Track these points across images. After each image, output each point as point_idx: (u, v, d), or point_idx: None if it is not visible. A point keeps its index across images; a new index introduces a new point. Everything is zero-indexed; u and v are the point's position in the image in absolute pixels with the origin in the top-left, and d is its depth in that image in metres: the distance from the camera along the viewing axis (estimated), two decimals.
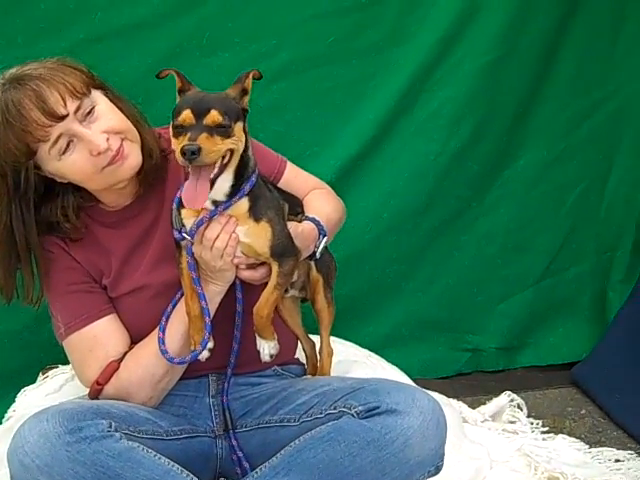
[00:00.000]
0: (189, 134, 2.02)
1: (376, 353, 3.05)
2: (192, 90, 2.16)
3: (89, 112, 2.23)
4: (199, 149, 1.99)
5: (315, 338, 2.58)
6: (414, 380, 2.82)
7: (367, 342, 3.17)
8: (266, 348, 2.29)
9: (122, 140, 2.27)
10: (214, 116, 2.04)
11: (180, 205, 2.21)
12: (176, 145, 2.05)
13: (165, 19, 3.06)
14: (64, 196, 2.33)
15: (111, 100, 2.31)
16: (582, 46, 3.50)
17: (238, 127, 2.10)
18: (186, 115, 2.04)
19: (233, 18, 3.14)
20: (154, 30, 3.06)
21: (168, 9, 3.06)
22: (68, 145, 2.21)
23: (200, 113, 2.04)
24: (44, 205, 2.33)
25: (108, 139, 2.23)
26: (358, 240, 3.38)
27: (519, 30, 3.38)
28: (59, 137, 2.19)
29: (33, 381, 2.94)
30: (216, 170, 2.08)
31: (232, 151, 2.10)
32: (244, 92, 2.16)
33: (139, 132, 2.34)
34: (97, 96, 2.27)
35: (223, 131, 2.06)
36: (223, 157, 2.08)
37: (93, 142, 2.21)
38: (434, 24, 3.31)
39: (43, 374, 2.95)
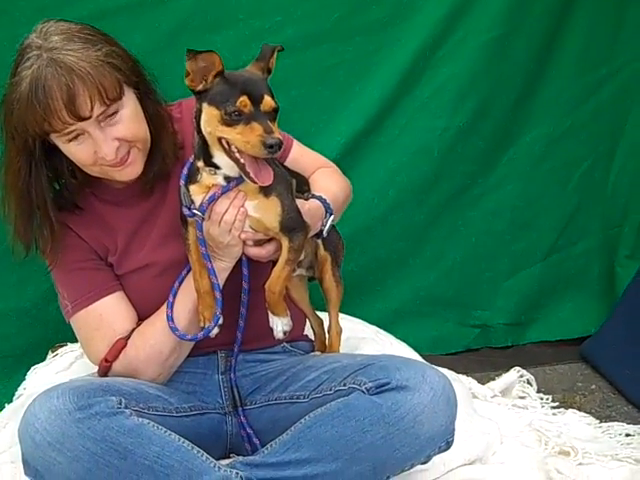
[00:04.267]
0: (257, 124, 1.99)
1: (384, 329, 3.06)
2: (229, 72, 2.09)
3: (111, 115, 2.19)
4: (281, 142, 1.98)
5: (323, 315, 2.58)
6: (423, 356, 2.82)
7: (375, 318, 3.18)
8: (279, 325, 2.28)
9: (130, 148, 2.25)
10: (269, 102, 2.03)
11: (188, 181, 2.20)
12: (232, 134, 2.01)
13: None
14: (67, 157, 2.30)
15: (141, 99, 2.27)
16: (588, 22, 3.47)
17: None
18: (244, 102, 2.00)
19: None
20: (158, 7, 3.03)
21: None
22: (78, 135, 2.19)
23: (256, 99, 2.01)
24: (50, 160, 2.29)
25: (118, 148, 2.21)
26: (364, 217, 3.38)
27: (524, 7, 3.36)
28: (73, 130, 2.17)
29: (43, 359, 2.95)
30: None
31: None
32: (268, 72, 2.14)
33: (158, 136, 2.31)
34: (126, 99, 2.22)
35: (275, 115, 2.05)
36: None
37: (102, 149, 2.19)
38: (438, 1, 3.28)
39: (53, 352, 2.96)
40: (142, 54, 2.84)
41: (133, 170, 2.28)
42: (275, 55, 2.14)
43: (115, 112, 2.19)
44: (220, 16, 3.10)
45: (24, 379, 2.88)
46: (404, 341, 2.99)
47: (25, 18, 2.83)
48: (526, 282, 3.65)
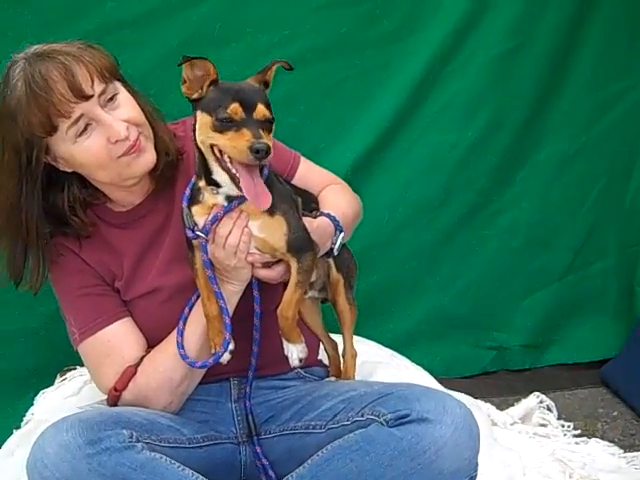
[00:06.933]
0: (247, 130, 1.95)
1: (397, 351, 3.00)
2: (224, 82, 2.07)
3: (111, 98, 2.18)
4: (269, 148, 1.93)
5: (337, 338, 2.51)
6: (438, 380, 2.77)
7: (388, 340, 3.13)
8: (294, 352, 2.21)
9: (139, 134, 2.21)
10: (263, 110, 1.99)
11: (190, 203, 2.14)
12: (222, 140, 1.98)
13: (176, 10, 3.02)
14: (69, 188, 2.27)
15: (128, 91, 2.26)
16: (602, 37, 3.44)
17: None
18: (235, 109, 1.97)
19: (245, 8, 3.10)
20: (165, 21, 3.02)
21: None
22: (86, 128, 2.15)
23: (249, 107, 1.98)
24: (51, 195, 2.26)
25: (127, 128, 2.17)
26: (375, 234, 3.34)
27: (534, 21, 3.34)
28: (80, 117, 2.13)
29: (51, 381, 2.90)
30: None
31: None
32: (265, 85, 2.10)
33: (153, 129, 2.28)
34: (119, 86, 2.23)
35: (269, 126, 2.01)
36: None
37: (114, 128, 2.15)
38: (447, 14, 3.27)
39: (61, 376, 2.91)
40: (149, 68, 2.89)
41: (148, 157, 2.24)
42: (274, 68, 2.10)
43: (113, 96, 2.19)
44: (228, 30, 3.09)
45: (32, 402, 2.84)
46: (418, 364, 2.93)
47: (31, 32, 2.83)
48: (543, 302, 3.61)
